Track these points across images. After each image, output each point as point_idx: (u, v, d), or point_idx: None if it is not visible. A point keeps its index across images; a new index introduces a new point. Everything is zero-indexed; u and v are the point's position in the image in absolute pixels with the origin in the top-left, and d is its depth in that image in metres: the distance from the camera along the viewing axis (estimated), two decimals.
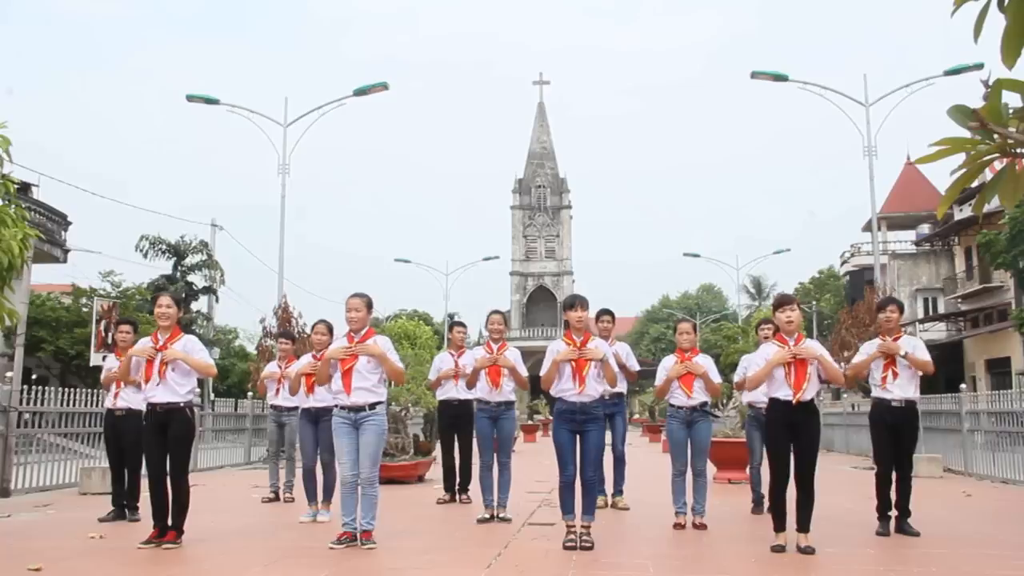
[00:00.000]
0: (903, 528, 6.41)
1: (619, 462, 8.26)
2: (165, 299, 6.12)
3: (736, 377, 8.23)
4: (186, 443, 6.05)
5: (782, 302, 5.92)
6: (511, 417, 7.50)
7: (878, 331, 6.94)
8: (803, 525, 5.61)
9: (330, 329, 7.59)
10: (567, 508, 5.77)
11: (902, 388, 6.48)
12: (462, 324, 8.94)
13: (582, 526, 5.76)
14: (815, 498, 5.68)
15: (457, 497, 8.78)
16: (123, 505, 7.40)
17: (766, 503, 7.64)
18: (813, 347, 5.76)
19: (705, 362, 6.91)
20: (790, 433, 5.66)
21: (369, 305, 6.04)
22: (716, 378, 6.87)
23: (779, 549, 5.60)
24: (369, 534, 5.83)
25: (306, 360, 7.78)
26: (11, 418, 9.58)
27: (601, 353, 5.83)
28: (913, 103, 36.15)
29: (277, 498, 8.95)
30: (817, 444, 5.82)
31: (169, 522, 5.90)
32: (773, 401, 5.79)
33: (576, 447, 5.81)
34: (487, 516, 7.21)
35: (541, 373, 5.94)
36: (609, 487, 8.15)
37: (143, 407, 6.16)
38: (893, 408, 6.47)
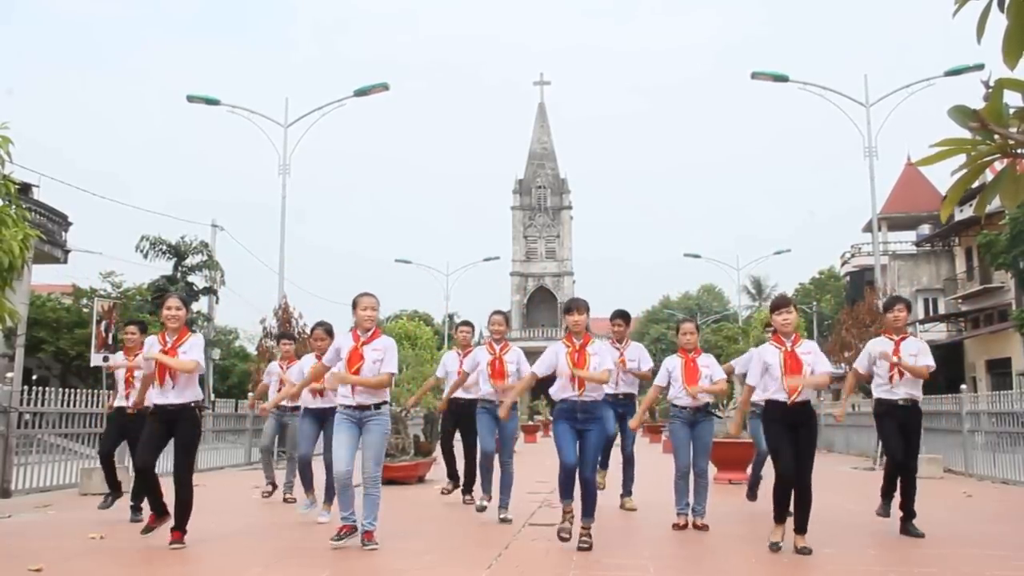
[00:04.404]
0: (908, 529, 6.39)
1: (628, 463, 8.23)
2: (174, 301, 6.11)
3: (737, 368, 8.25)
4: (193, 444, 6.08)
5: (779, 304, 5.96)
6: (514, 416, 7.47)
7: (882, 330, 6.94)
8: (800, 527, 5.60)
9: (329, 332, 7.58)
10: (567, 493, 5.73)
11: (908, 388, 6.50)
12: (468, 323, 8.81)
13: (581, 527, 5.72)
14: (812, 500, 5.66)
15: (461, 497, 8.72)
16: (118, 488, 7.55)
17: (759, 491, 7.68)
18: (810, 376, 5.70)
19: (710, 362, 6.91)
20: (790, 432, 5.66)
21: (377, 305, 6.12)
22: (720, 374, 6.87)
23: (776, 548, 5.60)
24: (371, 534, 5.81)
25: (308, 361, 7.78)
26: (11, 418, 9.57)
27: (605, 376, 5.78)
28: (913, 104, 36.23)
29: (275, 488, 8.92)
30: (814, 446, 5.83)
31: (173, 522, 5.88)
32: (770, 402, 5.80)
33: (576, 439, 5.74)
34: (485, 504, 7.20)
35: (536, 368, 5.93)
36: (617, 488, 8.15)
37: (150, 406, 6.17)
38: (900, 406, 6.49)
